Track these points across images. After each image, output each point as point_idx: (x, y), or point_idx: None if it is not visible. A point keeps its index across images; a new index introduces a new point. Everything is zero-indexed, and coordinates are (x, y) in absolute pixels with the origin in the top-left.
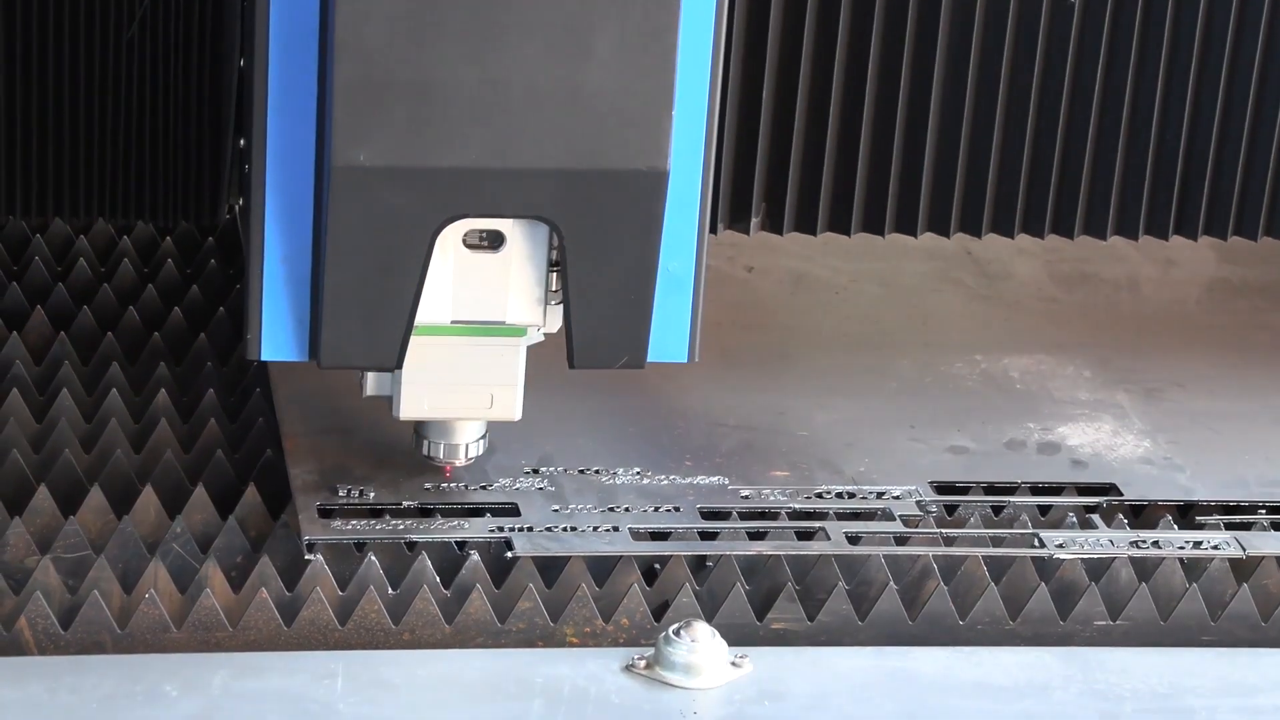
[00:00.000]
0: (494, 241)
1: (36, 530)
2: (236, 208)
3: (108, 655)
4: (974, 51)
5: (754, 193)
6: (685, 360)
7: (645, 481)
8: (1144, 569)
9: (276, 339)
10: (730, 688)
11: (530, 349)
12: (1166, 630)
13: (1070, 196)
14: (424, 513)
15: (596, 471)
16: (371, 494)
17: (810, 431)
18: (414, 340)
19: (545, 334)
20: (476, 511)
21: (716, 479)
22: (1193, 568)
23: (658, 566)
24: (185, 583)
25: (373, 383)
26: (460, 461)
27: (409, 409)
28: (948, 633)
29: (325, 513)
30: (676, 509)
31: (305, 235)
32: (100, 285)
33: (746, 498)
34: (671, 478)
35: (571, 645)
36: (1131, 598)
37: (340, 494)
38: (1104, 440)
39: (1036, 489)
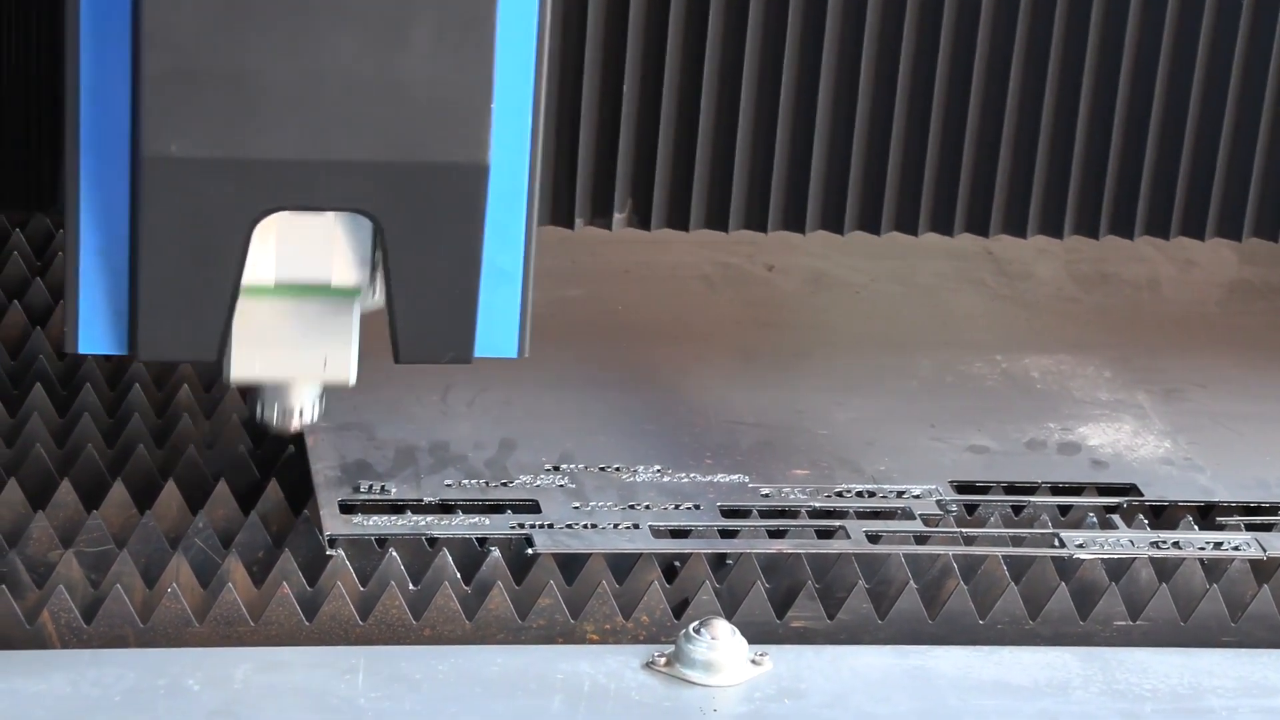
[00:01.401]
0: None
1: (59, 524)
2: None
3: (130, 649)
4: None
5: (617, 188)
6: (515, 355)
7: (666, 479)
8: (1164, 569)
9: (94, 332)
10: (750, 685)
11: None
12: (1186, 631)
13: (1081, 195)
14: (445, 509)
15: (617, 469)
16: (393, 490)
17: (830, 430)
18: (243, 300)
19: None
20: (497, 508)
21: (737, 477)
22: (1213, 568)
23: (678, 564)
24: (207, 577)
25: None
26: (294, 427)
27: (239, 370)
28: (967, 632)
29: (347, 508)
30: (697, 507)
31: (121, 227)
32: None
33: (767, 496)
34: (692, 475)
35: (592, 642)
36: (1152, 598)
37: (362, 490)
38: (1124, 440)
39: (1057, 489)
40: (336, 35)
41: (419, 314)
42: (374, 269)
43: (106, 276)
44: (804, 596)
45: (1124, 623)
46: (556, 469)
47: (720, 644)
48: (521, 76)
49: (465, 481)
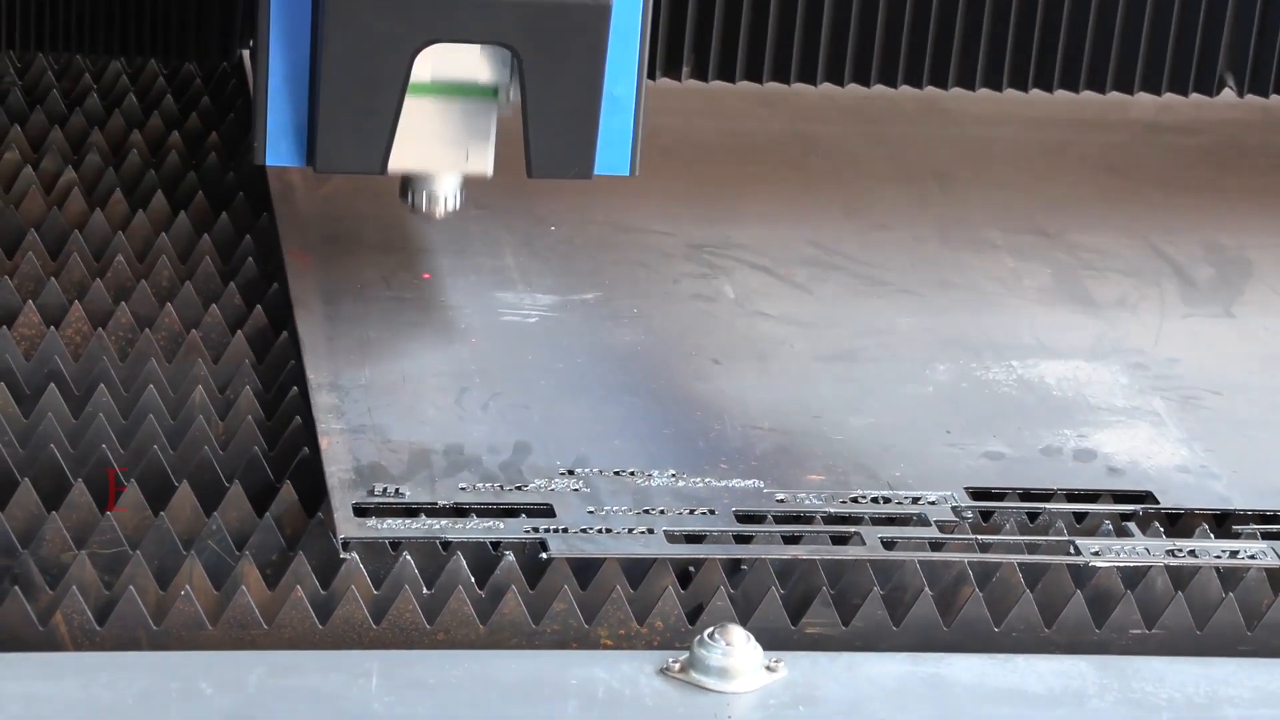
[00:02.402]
0: None
1: (73, 526)
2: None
3: (143, 651)
4: None
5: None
6: (627, 174)
7: (680, 484)
8: (1180, 577)
9: (279, 146)
10: (764, 692)
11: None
12: (1203, 639)
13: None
14: (459, 512)
15: (632, 473)
16: (407, 493)
17: (846, 436)
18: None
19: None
20: (511, 512)
21: (751, 482)
22: (1229, 577)
23: (692, 569)
24: (221, 580)
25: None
26: (439, 214)
27: (394, 161)
28: (982, 639)
29: (361, 511)
30: (711, 512)
31: (304, 55)
32: (138, 282)
33: (782, 501)
34: (706, 480)
35: (606, 647)
36: (1167, 606)
37: (376, 493)
38: (1140, 447)
39: (1072, 496)
40: None
41: (548, 135)
42: (510, 79)
43: (289, 99)
44: (819, 603)
45: (1140, 631)
46: (571, 473)
47: (735, 650)
48: None
49: (479, 485)
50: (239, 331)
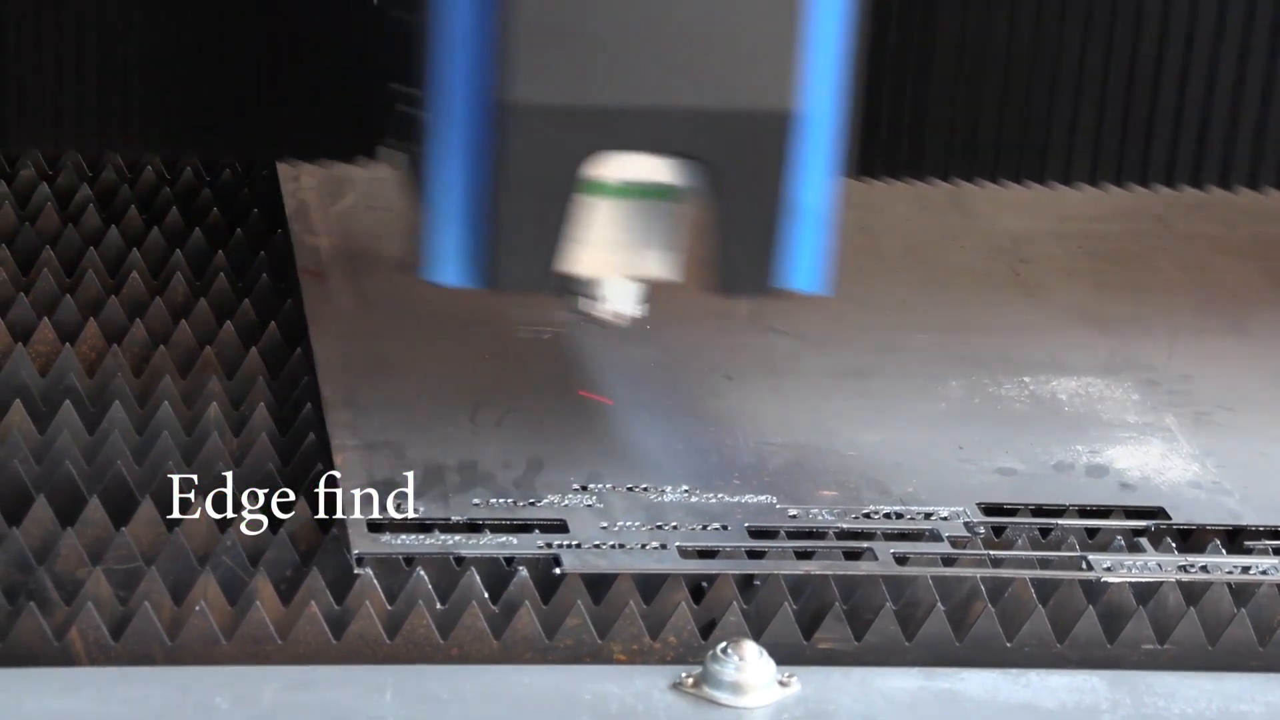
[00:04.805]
0: None
1: (88, 541)
2: (387, 148)
3: (158, 667)
4: None
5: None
6: (819, 290)
7: (693, 499)
8: (1192, 593)
9: (444, 263)
10: (777, 707)
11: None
12: (1215, 655)
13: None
14: (472, 528)
15: (645, 489)
16: (421, 509)
17: (858, 451)
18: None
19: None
20: (525, 527)
21: (764, 498)
22: (1241, 592)
23: (705, 585)
24: (235, 595)
25: None
26: (618, 320)
27: (574, 265)
28: (995, 654)
29: (375, 527)
30: (724, 527)
31: (473, 168)
32: (153, 299)
33: (794, 517)
34: (720, 496)
35: (619, 662)
36: (1180, 622)
37: (389, 508)
38: (1152, 463)
39: (1084, 511)
40: None
41: (738, 250)
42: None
43: (459, 213)
44: (831, 618)
45: (1152, 646)
46: (584, 489)
47: (748, 665)
48: (832, 22)
49: (493, 501)
50: (253, 348)
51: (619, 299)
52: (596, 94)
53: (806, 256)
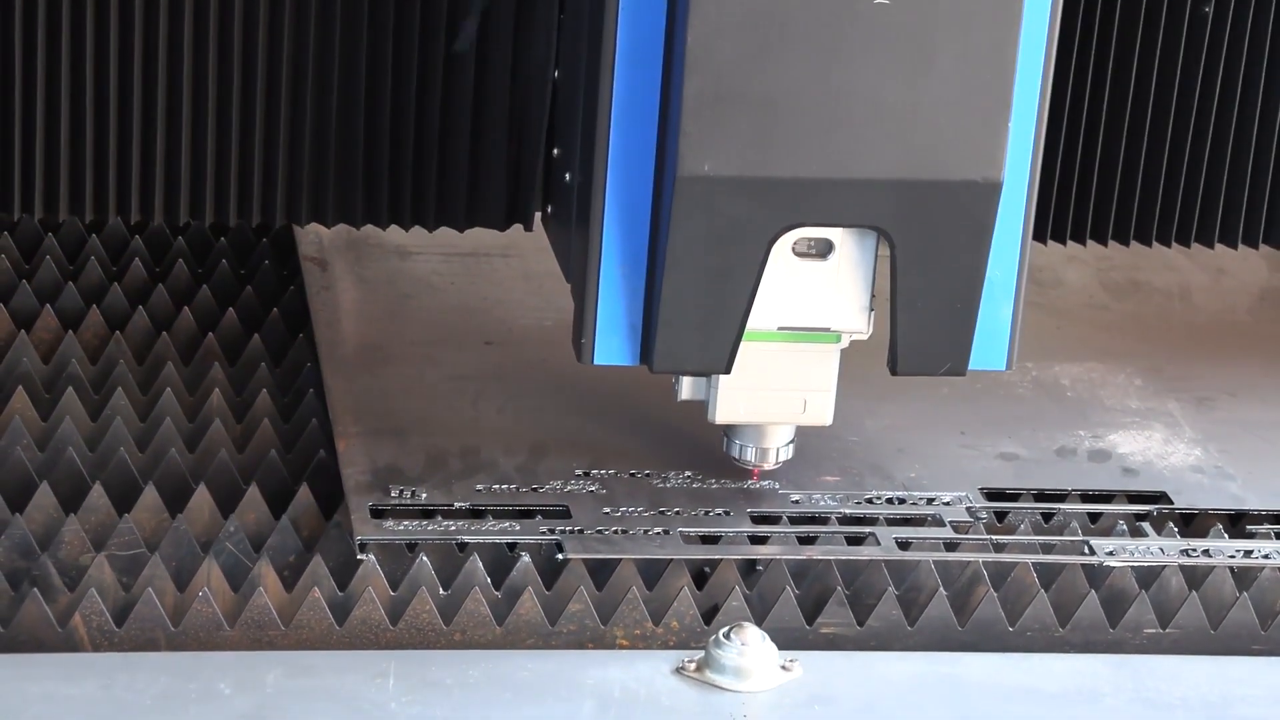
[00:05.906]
0: (822, 250)
1: (91, 528)
2: (542, 215)
3: (161, 653)
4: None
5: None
6: (1004, 368)
7: (696, 485)
8: (1194, 577)
9: (609, 344)
10: (780, 691)
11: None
12: (1217, 639)
13: (1120, 202)
14: (475, 514)
15: (647, 474)
16: (423, 495)
17: (861, 437)
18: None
19: (853, 339)
20: (528, 513)
21: (767, 483)
22: (1243, 577)
23: (708, 570)
24: (238, 581)
25: (688, 387)
26: (769, 465)
27: (725, 413)
28: (997, 639)
29: (377, 513)
30: (727, 513)
31: (641, 242)
32: (155, 286)
33: (797, 502)
34: (722, 481)
35: (622, 647)
36: (1182, 606)
37: (392, 494)
38: (1155, 448)
39: (1087, 496)
40: (863, 57)
41: (920, 327)
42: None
43: (624, 290)
44: (834, 603)
45: (1154, 630)
46: (587, 474)
47: (750, 650)
48: (1028, 90)
49: (496, 487)
50: (256, 334)
51: (770, 444)
52: (779, 165)
53: (991, 333)
